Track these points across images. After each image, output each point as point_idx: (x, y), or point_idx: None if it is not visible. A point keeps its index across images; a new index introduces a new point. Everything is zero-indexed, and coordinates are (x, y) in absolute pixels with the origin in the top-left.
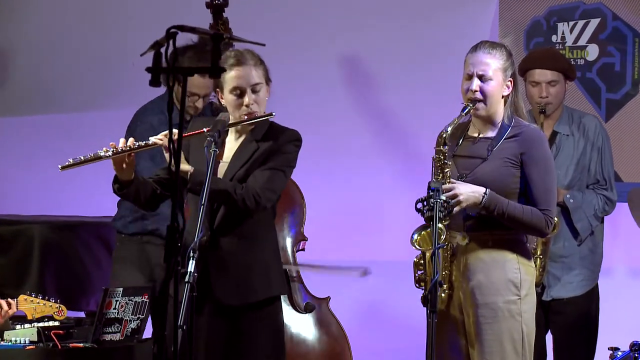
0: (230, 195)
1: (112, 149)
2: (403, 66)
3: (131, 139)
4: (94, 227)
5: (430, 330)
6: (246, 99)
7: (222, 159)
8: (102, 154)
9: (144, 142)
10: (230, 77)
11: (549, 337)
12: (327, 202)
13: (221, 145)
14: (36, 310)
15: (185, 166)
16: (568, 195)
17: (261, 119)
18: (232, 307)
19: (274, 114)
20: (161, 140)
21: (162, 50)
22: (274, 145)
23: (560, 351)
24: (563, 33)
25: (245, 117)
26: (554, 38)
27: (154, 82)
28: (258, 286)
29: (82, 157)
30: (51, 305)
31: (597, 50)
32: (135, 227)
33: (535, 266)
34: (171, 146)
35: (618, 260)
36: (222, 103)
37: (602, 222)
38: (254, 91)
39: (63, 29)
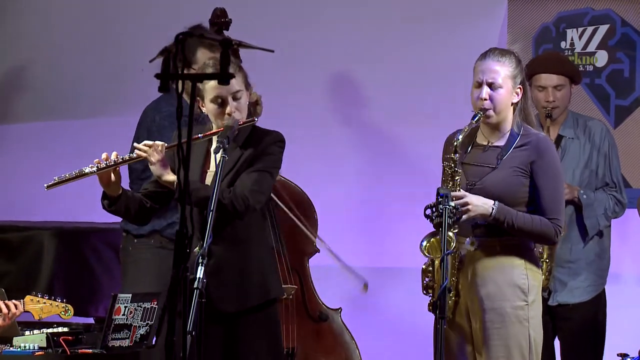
0: (219, 201)
1: (96, 165)
2: (411, 73)
3: (114, 153)
4: (103, 233)
5: (440, 337)
6: (228, 108)
7: (208, 168)
8: (87, 171)
9: (128, 155)
10: (211, 86)
11: (556, 343)
12: (334, 209)
13: (206, 155)
14: (42, 310)
15: (170, 176)
16: (582, 191)
17: (249, 123)
18: (228, 312)
19: (256, 119)
20: (145, 152)
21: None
22: (258, 148)
23: (568, 357)
24: (572, 39)
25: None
26: (562, 44)
27: (163, 88)
28: (254, 290)
29: (67, 175)
30: (57, 305)
31: (606, 57)
32: (151, 225)
33: (542, 270)
34: (180, 152)
35: (627, 266)
36: (203, 111)
37: (609, 226)
38: (235, 99)
39: (73, 37)
